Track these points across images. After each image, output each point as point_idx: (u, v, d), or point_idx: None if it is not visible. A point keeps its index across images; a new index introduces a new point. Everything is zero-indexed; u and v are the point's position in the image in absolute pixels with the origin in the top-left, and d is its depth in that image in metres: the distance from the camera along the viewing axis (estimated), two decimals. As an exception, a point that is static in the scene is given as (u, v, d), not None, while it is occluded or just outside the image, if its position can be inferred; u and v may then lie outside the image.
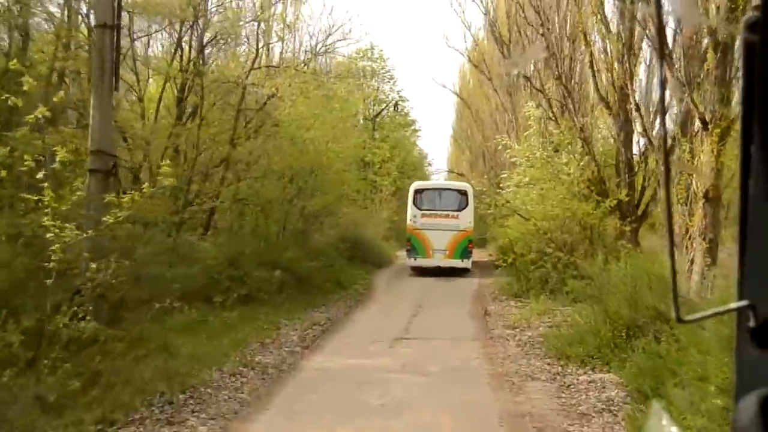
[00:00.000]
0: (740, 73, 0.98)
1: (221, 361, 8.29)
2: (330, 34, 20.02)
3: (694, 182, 10.24)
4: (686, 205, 10.65)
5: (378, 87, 32.19)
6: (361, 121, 31.32)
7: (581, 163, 14.22)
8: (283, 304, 12.10)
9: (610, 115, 14.54)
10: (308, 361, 8.73)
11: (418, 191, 19.59)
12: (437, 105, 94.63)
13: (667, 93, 13.41)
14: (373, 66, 31.42)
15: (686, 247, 10.65)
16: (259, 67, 18.09)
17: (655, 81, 13.52)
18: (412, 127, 35.25)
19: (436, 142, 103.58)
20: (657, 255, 10.91)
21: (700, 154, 10.44)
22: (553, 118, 15.13)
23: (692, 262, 10.28)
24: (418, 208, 19.07)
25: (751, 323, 0.93)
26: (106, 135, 8.56)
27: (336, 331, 10.77)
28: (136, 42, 15.95)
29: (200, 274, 11.27)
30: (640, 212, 14.53)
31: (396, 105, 31.79)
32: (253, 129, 16.06)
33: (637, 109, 11.81)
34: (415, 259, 18.88)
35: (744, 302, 0.94)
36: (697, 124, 10.39)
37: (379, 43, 38.58)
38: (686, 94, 10.25)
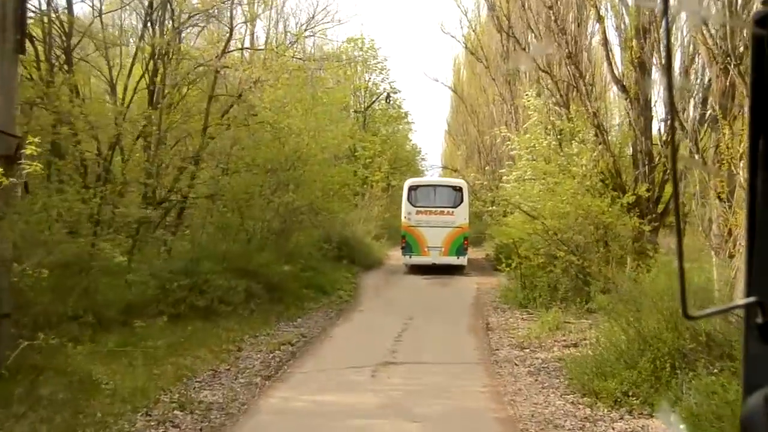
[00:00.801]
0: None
1: (154, 399, 6.37)
2: (314, 16, 18.06)
3: (741, 173, 8.35)
4: (727, 201, 8.79)
5: (369, 78, 30.19)
6: (352, 114, 29.37)
7: (594, 154, 12.33)
8: (250, 318, 10.18)
9: (626, 99, 12.64)
10: (268, 397, 6.79)
11: (412, 188, 18.76)
12: (432, 100, 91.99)
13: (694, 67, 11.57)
14: (364, 56, 29.42)
15: (729, 251, 8.82)
16: (234, 50, 16.22)
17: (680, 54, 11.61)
18: (405, 120, 33.25)
19: (430, 138, 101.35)
20: (697, 259, 9.06)
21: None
22: (561, 104, 13.22)
23: (737, 269, 8.44)
24: (413, 205, 18.21)
25: (759, 320, 0.92)
26: (6, 111, 6.61)
27: (309, 352, 8.83)
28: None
29: (149, 284, 9.34)
30: (660, 209, 12.68)
31: (388, 97, 29.78)
32: (229, 118, 14.06)
33: (669, 88, 9.86)
34: (410, 257, 18.03)
35: (752, 299, 0.94)
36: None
37: (371, 36, 36.50)
38: (732, 66, 8.39)
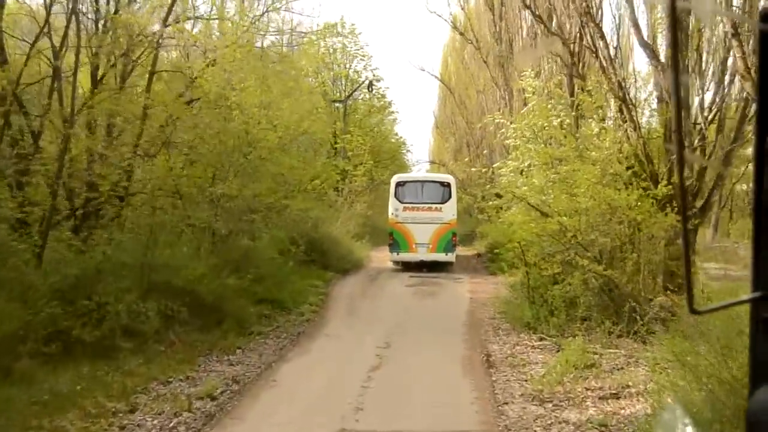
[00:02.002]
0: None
1: None
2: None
3: None
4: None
5: (349, 66, 27.14)
6: (336, 105, 26.44)
7: (618, 135, 9.56)
8: (167, 354, 7.29)
9: (656, 66, 9.85)
10: None
11: (399, 184, 17.74)
12: (419, 95, 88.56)
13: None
14: (344, 42, 26.44)
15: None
16: (178, 21, 13.30)
17: None
18: (389, 110, 30.21)
19: (417, 133, 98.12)
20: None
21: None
22: (575, 74, 10.40)
23: None
24: (400, 201, 17.28)
25: (766, 314, 0.92)
26: None
27: (234, 411, 5.92)
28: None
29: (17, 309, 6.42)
30: (699, 203, 9.93)
31: (370, 85, 26.78)
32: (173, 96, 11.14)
33: (735, 34, 7.07)
34: (397, 254, 17.19)
35: (758, 294, 0.93)
36: None
37: (352, 22, 32.90)
38: None
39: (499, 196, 16.13)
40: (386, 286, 14.33)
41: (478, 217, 25.82)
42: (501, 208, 16.81)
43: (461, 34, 21.86)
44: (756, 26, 0.91)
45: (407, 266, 16.93)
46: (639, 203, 8.91)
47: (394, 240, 17.10)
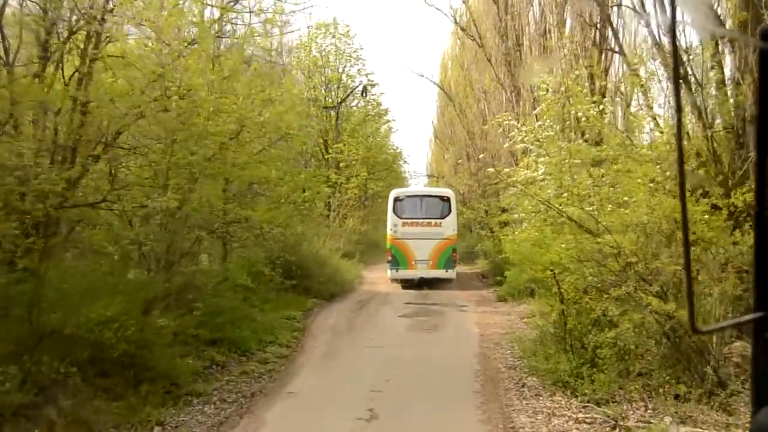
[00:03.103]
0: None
1: None
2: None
3: None
4: None
5: (342, 70, 24.79)
6: (329, 111, 24.14)
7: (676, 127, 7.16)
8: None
9: (721, 38, 7.49)
10: None
11: (397, 199, 16.97)
12: (417, 104, 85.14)
13: None
14: (337, 44, 24.18)
15: None
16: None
17: None
18: (384, 118, 27.80)
19: (414, 143, 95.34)
20: None
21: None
22: (617, 49, 8.03)
23: None
24: (399, 217, 16.53)
25: None
26: None
27: None
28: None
29: None
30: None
31: (364, 90, 24.43)
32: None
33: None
34: (396, 271, 16.42)
35: (760, 314, 0.91)
36: None
37: (346, 23, 30.48)
38: None
39: (504, 210, 13.93)
40: (377, 317, 11.85)
41: (479, 233, 23.56)
42: (507, 223, 14.57)
43: (463, 29, 19.59)
44: (756, 45, 0.86)
45: (404, 286, 16.06)
46: (709, 217, 6.53)
47: (393, 257, 16.28)
